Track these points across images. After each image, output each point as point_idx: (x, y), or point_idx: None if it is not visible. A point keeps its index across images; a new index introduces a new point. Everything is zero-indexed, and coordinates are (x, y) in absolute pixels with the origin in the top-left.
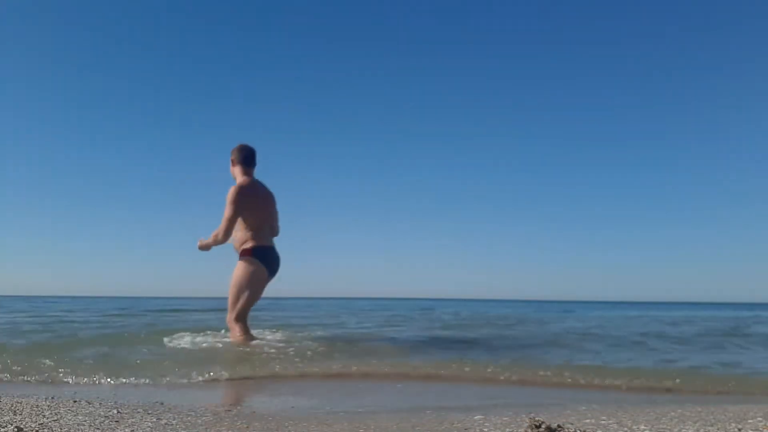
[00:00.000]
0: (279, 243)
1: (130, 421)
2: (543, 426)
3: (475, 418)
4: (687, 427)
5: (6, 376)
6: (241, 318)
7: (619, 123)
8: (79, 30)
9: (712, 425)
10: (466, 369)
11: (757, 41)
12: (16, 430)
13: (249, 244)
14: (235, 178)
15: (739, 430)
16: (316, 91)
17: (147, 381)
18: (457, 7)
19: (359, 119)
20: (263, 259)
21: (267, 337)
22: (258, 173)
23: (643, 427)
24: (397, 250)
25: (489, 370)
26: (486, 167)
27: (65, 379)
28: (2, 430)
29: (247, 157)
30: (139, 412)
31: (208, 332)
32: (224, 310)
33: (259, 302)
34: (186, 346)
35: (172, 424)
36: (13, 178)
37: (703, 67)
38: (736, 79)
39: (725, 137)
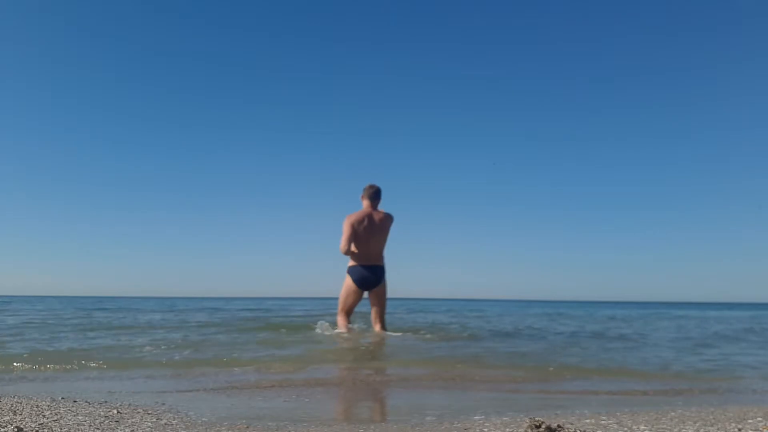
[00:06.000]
0: None
1: (130, 421)
2: (543, 426)
3: (475, 418)
4: (687, 427)
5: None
6: (341, 313)
7: (621, 122)
8: (78, 30)
9: (712, 425)
10: None
11: (756, 41)
12: (16, 430)
13: (348, 263)
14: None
15: (739, 430)
16: (313, 92)
17: None
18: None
19: (356, 119)
20: (352, 275)
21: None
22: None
23: (643, 427)
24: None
25: None
26: (485, 166)
27: None
28: (2, 430)
29: (371, 195)
30: (139, 412)
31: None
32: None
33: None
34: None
35: (172, 424)
36: (13, 178)
37: (700, 67)
38: (734, 78)
39: (727, 135)
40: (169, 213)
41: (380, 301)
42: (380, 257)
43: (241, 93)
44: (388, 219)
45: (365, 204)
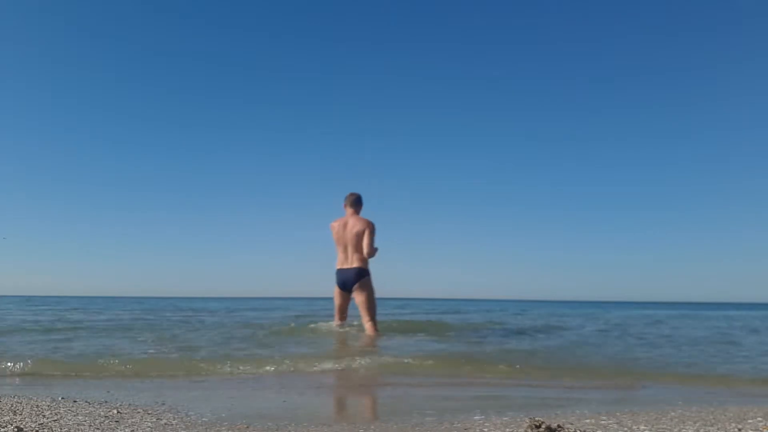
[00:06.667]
0: None
1: (130, 421)
2: (543, 426)
3: (475, 418)
4: (687, 427)
5: None
6: (335, 314)
7: (621, 122)
8: (78, 30)
9: (712, 425)
10: None
11: (756, 41)
12: (16, 430)
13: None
14: None
15: (739, 430)
16: (314, 92)
17: None
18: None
19: (356, 119)
20: (335, 278)
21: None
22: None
23: (643, 427)
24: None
25: None
26: (485, 167)
27: None
28: (2, 430)
29: (352, 202)
30: (139, 412)
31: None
32: None
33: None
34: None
35: (172, 424)
36: (14, 178)
37: (700, 67)
38: (734, 78)
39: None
40: (169, 213)
41: (364, 302)
42: (358, 260)
43: (241, 93)
44: (363, 225)
45: (348, 211)
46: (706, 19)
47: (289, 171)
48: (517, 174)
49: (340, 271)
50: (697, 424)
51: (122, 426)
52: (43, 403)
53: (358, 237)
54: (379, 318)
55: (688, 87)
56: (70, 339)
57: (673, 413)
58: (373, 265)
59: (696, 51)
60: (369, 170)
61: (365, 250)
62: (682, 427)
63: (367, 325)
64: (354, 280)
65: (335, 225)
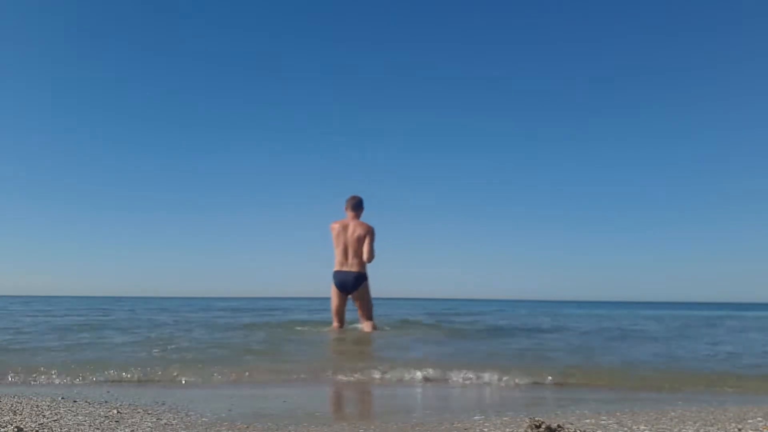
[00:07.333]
0: None
1: (130, 421)
2: (543, 426)
3: (475, 418)
4: (687, 427)
5: None
6: (333, 315)
7: (621, 122)
8: (78, 30)
9: (712, 425)
10: None
11: (756, 41)
12: (16, 430)
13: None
14: None
15: (739, 430)
16: (315, 92)
17: None
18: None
19: (356, 119)
20: (333, 279)
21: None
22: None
23: (643, 427)
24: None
25: None
26: (485, 166)
27: None
28: (2, 430)
29: (353, 205)
30: (139, 413)
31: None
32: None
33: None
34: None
35: (172, 424)
36: (14, 178)
37: (700, 67)
38: (734, 78)
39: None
40: (169, 213)
41: (362, 303)
42: (356, 264)
43: (241, 93)
44: (364, 230)
45: (349, 215)
46: (706, 19)
47: (289, 171)
48: (517, 174)
49: (338, 273)
50: (697, 424)
51: (122, 426)
52: (43, 403)
53: (359, 242)
54: (383, 318)
55: (688, 87)
56: (72, 339)
57: (673, 413)
58: (372, 267)
59: (696, 51)
60: (369, 170)
61: (365, 255)
62: (682, 427)
63: (366, 324)
64: (353, 284)
65: (336, 226)
